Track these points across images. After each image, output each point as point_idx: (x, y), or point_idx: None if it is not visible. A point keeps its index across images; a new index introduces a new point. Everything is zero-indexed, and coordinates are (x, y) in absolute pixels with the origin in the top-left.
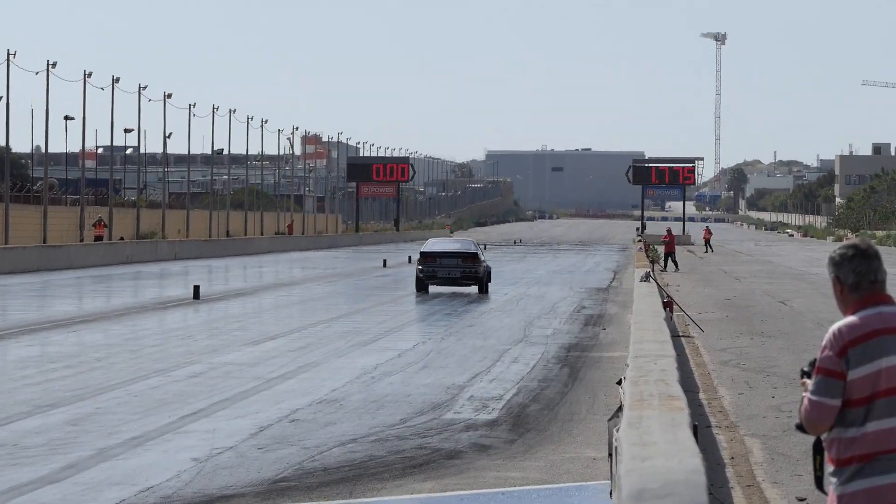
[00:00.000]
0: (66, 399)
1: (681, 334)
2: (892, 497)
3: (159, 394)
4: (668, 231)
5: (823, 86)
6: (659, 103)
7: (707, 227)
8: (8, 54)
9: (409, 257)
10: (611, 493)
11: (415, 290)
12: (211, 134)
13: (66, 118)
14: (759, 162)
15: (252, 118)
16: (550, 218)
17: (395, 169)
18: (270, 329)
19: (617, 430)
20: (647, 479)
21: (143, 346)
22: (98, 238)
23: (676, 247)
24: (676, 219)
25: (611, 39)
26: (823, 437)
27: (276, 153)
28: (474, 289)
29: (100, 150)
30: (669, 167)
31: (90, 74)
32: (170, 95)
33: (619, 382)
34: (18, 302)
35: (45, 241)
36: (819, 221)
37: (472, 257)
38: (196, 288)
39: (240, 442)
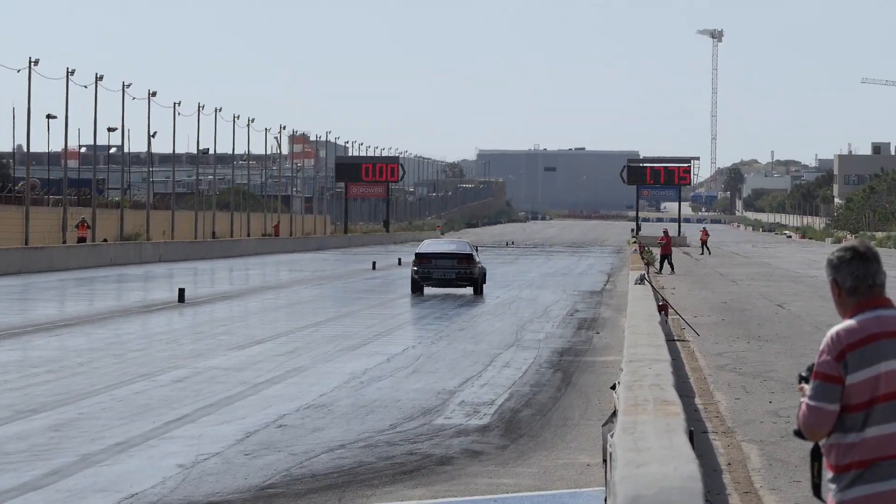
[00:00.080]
0: (49, 404)
1: (676, 338)
2: None
3: (144, 399)
4: (665, 233)
5: (822, 84)
6: (654, 102)
7: (704, 228)
8: None
9: (399, 259)
10: (605, 500)
11: (404, 293)
12: (196, 133)
13: (49, 117)
14: (756, 161)
15: (238, 117)
16: (543, 219)
17: (385, 169)
18: (257, 333)
19: (611, 436)
20: (642, 486)
21: (127, 351)
22: (81, 239)
23: (672, 248)
24: (672, 220)
25: (604, 36)
26: (822, 442)
27: (263, 153)
28: (469, 290)
29: (83, 150)
30: (665, 167)
31: (73, 72)
32: (154, 94)
33: (614, 387)
34: None
35: (26, 243)
36: (817, 222)
37: (468, 258)
38: (181, 291)
39: (226, 448)
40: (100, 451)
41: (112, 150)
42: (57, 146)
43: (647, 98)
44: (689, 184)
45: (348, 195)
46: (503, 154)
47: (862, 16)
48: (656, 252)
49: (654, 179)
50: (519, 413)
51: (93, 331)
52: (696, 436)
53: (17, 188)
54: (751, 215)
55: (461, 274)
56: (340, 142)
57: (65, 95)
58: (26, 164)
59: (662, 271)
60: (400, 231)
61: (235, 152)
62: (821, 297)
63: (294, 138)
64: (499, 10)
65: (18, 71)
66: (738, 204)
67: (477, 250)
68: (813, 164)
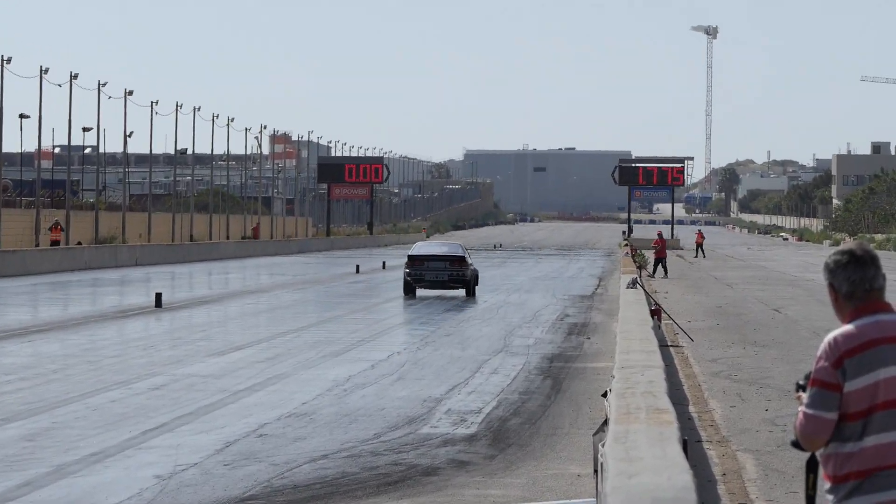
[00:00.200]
0: (21, 413)
1: (669, 344)
2: None
3: (120, 407)
4: (659, 235)
5: (820, 81)
6: (646, 100)
7: (699, 230)
8: None
9: (384, 263)
10: None
11: (389, 297)
12: (174, 133)
13: (22, 116)
14: (751, 162)
15: (218, 116)
16: (532, 221)
17: (369, 169)
18: (237, 339)
19: (602, 445)
20: (634, 497)
21: (103, 357)
22: (55, 243)
23: (667, 252)
24: (665, 222)
25: (596, 33)
26: (819, 452)
27: (243, 153)
28: (462, 292)
29: (57, 150)
30: (657, 167)
31: (47, 70)
32: (131, 92)
33: (605, 395)
34: None
35: None
36: (815, 224)
37: (460, 260)
38: (158, 295)
39: (205, 458)
40: (74, 461)
41: (87, 151)
42: (30, 146)
43: (640, 96)
44: (683, 185)
45: (331, 196)
46: (491, 154)
47: (862, 10)
48: (649, 255)
49: (647, 180)
50: (507, 422)
51: (67, 337)
52: (690, 445)
53: None
54: (746, 217)
55: (453, 276)
56: (323, 141)
57: (38, 94)
58: None
59: (655, 275)
60: (384, 233)
61: (214, 152)
62: (818, 301)
63: (275, 138)
64: (486, 8)
65: None
66: (733, 205)
67: (469, 253)
68: (810, 164)
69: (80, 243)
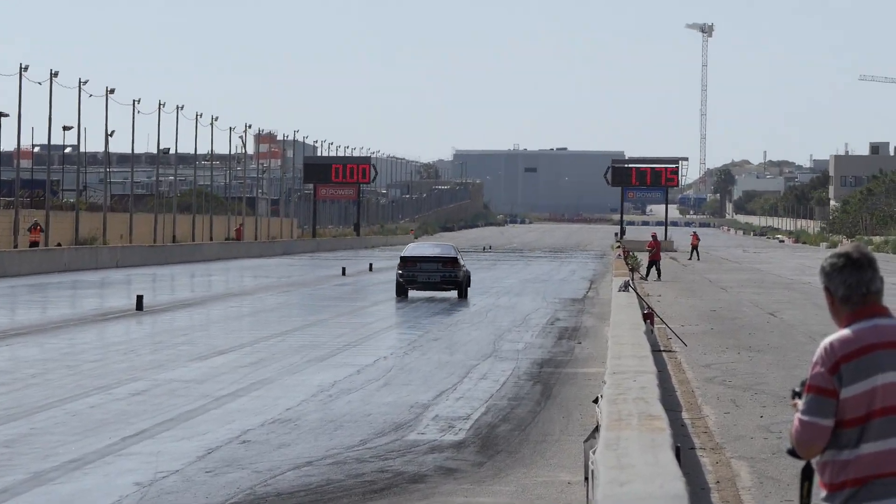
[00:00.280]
0: None
1: (662, 349)
2: None
3: (99, 413)
4: (654, 237)
5: (817, 80)
6: (640, 99)
7: (694, 232)
8: None
9: (371, 265)
10: None
11: (376, 301)
12: (156, 132)
13: (0, 115)
14: (747, 162)
15: (201, 115)
16: (523, 222)
17: (356, 169)
18: (220, 343)
19: (593, 452)
20: None
21: (82, 362)
22: (34, 244)
23: (661, 254)
24: (658, 223)
25: (587, 30)
26: (815, 460)
27: (227, 152)
28: (454, 293)
29: (36, 149)
30: (651, 168)
31: (26, 68)
32: (112, 91)
33: (596, 401)
34: None
35: None
36: (812, 226)
37: (452, 262)
38: (139, 298)
39: (186, 465)
40: (53, 468)
41: (67, 150)
42: (9, 145)
43: (633, 95)
44: (677, 185)
45: (317, 197)
46: (481, 154)
47: (860, 8)
48: (642, 257)
49: (640, 181)
50: (496, 428)
51: (46, 340)
52: (683, 452)
53: None
54: (742, 218)
55: (446, 277)
56: (309, 141)
57: (18, 92)
58: None
59: (648, 278)
60: (371, 235)
61: (198, 152)
62: (815, 305)
63: (260, 137)
64: (474, 4)
65: None
66: (729, 207)
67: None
68: (807, 164)
69: (59, 244)
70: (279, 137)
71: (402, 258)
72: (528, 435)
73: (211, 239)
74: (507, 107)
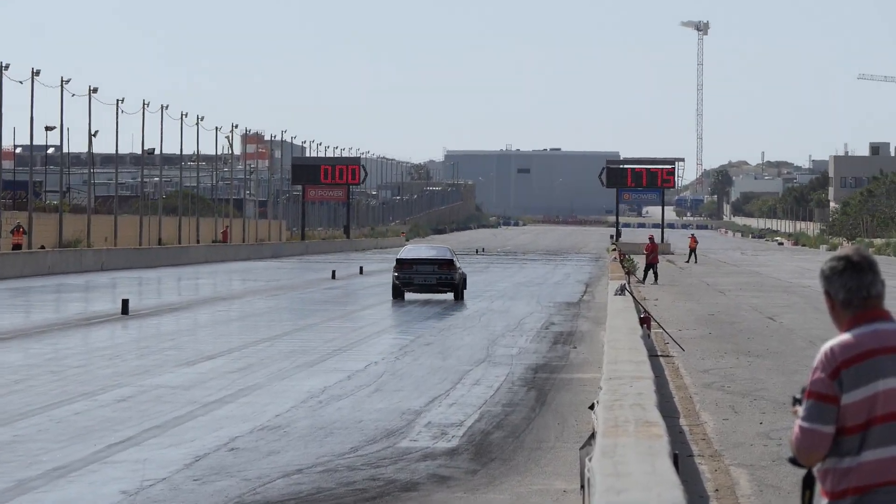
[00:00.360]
0: None
1: (659, 354)
2: None
3: (84, 420)
4: (651, 240)
5: (816, 80)
6: (635, 99)
7: (693, 234)
8: None
9: (361, 268)
10: None
11: (367, 304)
12: (141, 132)
13: None
14: (745, 163)
15: (187, 115)
16: (516, 224)
17: (345, 170)
18: (207, 348)
19: (589, 460)
20: None
21: (67, 367)
22: (16, 246)
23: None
24: (655, 225)
25: (581, 29)
26: (816, 468)
27: (214, 153)
28: (450, 295)
29: (18, 150)
30: (647, 169)
31: (7, 67)
32: (95, 90)
33: (592, 407)
34: None
35: None
36: (811, 228)
37: (448, 264)
38: (125, 302)
39: (173, 473)
40: (37, 476)
41: (50, 151)
42: None
43: (628, 95)
44: (674, 187)
45: (306, 198)
46: (473, 155)
47: (860, 6)
48: (638, 260)
49: (636, 182)
50: (490, 435)
51: (29, 345)
52: (681, 460)
53: None
54: (739, 220)
55: (442, 279)
56: (297, 141)
57: None
58: None
59: (645, 281)
60: (361, 237)
61: (183, 153)
62: (815, 309)
63: (247, 138)
64: (465, 3)
65: None
66: (726, 208)
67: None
68: (806, 165)
69: (43, 247)
70: (266, 138)
71: (399, 260)
72: (523, 442)
73: (198, 241)
74: (499, 106)
